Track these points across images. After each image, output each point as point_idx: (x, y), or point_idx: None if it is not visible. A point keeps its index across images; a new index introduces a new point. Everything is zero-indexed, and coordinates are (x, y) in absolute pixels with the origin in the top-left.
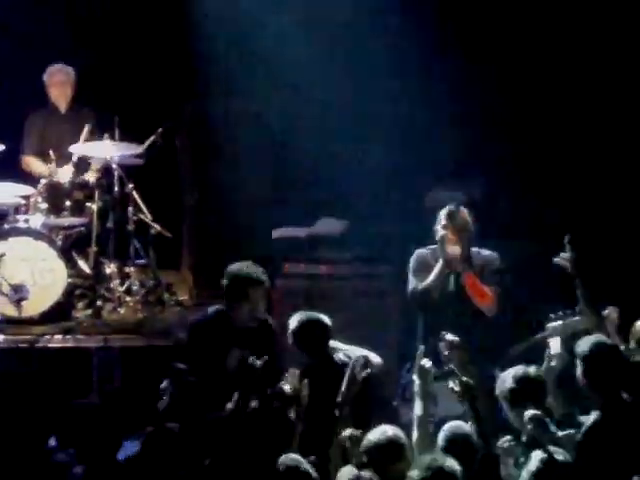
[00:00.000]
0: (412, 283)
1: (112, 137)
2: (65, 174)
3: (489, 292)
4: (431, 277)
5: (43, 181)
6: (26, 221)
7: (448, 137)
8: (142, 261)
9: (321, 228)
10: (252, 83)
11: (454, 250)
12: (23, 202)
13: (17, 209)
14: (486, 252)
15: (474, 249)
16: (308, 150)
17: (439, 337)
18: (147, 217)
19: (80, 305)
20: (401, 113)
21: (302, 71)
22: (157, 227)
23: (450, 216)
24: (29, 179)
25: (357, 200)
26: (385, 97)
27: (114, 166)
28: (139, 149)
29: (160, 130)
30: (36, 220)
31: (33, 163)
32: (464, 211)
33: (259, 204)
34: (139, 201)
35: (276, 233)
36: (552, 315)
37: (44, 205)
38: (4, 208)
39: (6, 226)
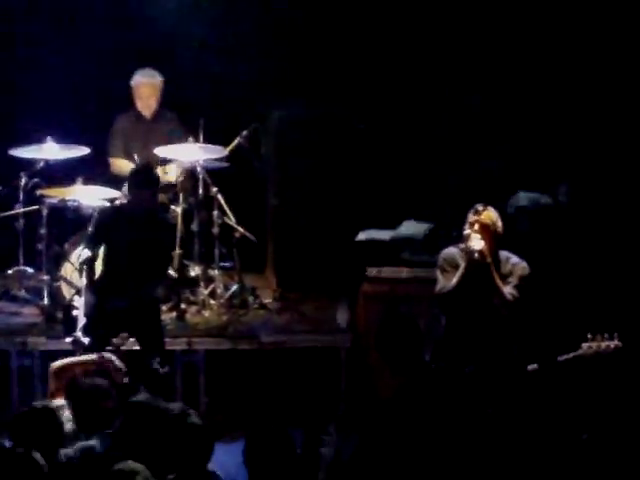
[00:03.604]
0: (439, 283)
1: (197, 140)
2: None
3: (506, 293)
4: (455, 279)
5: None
6: None
7: (533, 142)
8: (226, 264)
9: (405, 231)
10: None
11: (480, 244)
12: (115, 203)
13: None
14: (516, 259)
15: (504, 253)
16: (392, 152)
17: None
18: (231, 220)
19: (164, 308)
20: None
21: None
22: (241, 230)
23: (476, 213)
24: (114, 182)
25: (441, 203)
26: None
27: (199, 169)
28: (224, 152)
29: (245, 133)
30: None
31: (121, 163)
32: (491, 210)
33: (343, 206)
34: (223, 204)
35: (360, 236)
36: (589, 335)
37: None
38: (89, 211)
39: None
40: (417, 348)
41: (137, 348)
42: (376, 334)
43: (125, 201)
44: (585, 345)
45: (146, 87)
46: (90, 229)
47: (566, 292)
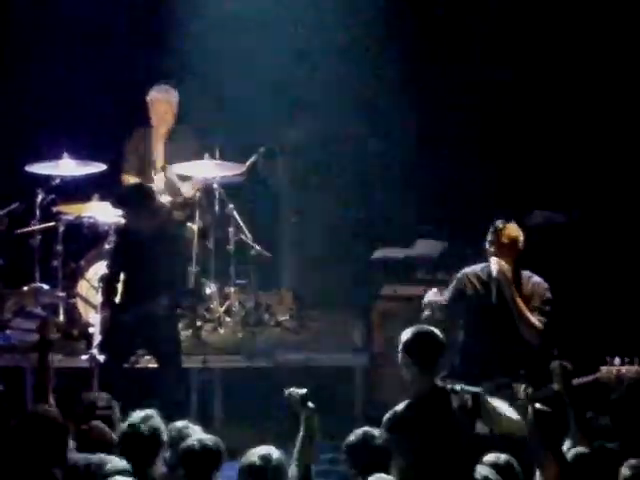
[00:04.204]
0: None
1: (213, 156)
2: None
3: (536, 322)
4: (447, 294)
5: None
6: None
7: (547, 161)
8: (242, 282)
9: (420, 249)
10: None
11: (501, 265)
12: (124, 222)
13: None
14: (537, 279)
15: (526, 272)
16: (408, 170)
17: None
18: (247, 237)
19: (180, 325)
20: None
21: None
22: (257, 247)
23: (496, 232)
24: None
25: (455, 221)
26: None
27: (215, 186)
28: (240, 168)
29: (261, 150)
30: None
31: (130, 181)
32: (512, 227)
33: (359, 224)
34: (239, 221)
35: (375, 254)
36: (608, 358)
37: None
38: (105, 228)
39: (107, 246)
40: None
41: (154, 365)
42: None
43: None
44: (604, 369)
45: (162, 103)
46: (110, 250)
47: (581, 311)
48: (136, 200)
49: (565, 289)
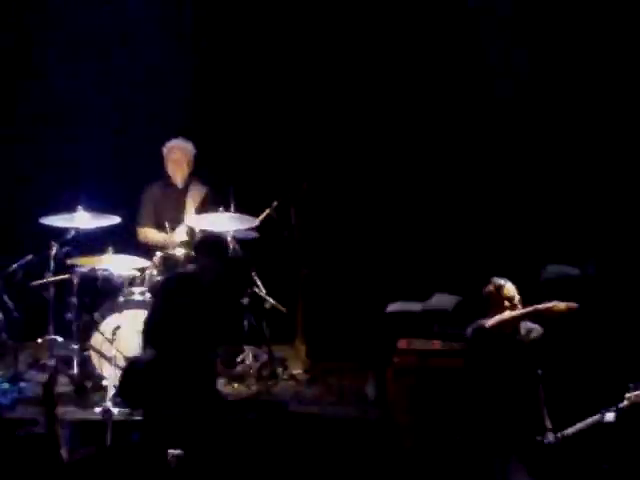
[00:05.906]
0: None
1: (227, 209)
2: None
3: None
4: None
5: (158, 254)
6: (141, 293)
7: (561, 216)
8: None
9: (435, 303)
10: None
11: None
12: (138, 274)
13: (132, 281)
14: (530, 324)
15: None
16: (422, 225)
17: None
18: (261, 291)
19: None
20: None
21: None
22: (271, 301)
23: (502, 289)
24: (143, 252)
25: (468, 274)
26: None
27: (229, 239)
28: (254, 222)
29: (275, 204)
30: None
31: (149, 232)
32: (510, 287)
33: (373, 277)
34: (253, 275)
35: (390, 307)
36: (631, 385)
37: (159, 278)
38: (119, 280)
39: (121, 298)
40: None
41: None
42: None
43: (189, 269)
44: (632, 395)
45: (178, 151)
46: (155, 300)
47: (595, 364)
48: (221, 251)
49: (572, 340)
